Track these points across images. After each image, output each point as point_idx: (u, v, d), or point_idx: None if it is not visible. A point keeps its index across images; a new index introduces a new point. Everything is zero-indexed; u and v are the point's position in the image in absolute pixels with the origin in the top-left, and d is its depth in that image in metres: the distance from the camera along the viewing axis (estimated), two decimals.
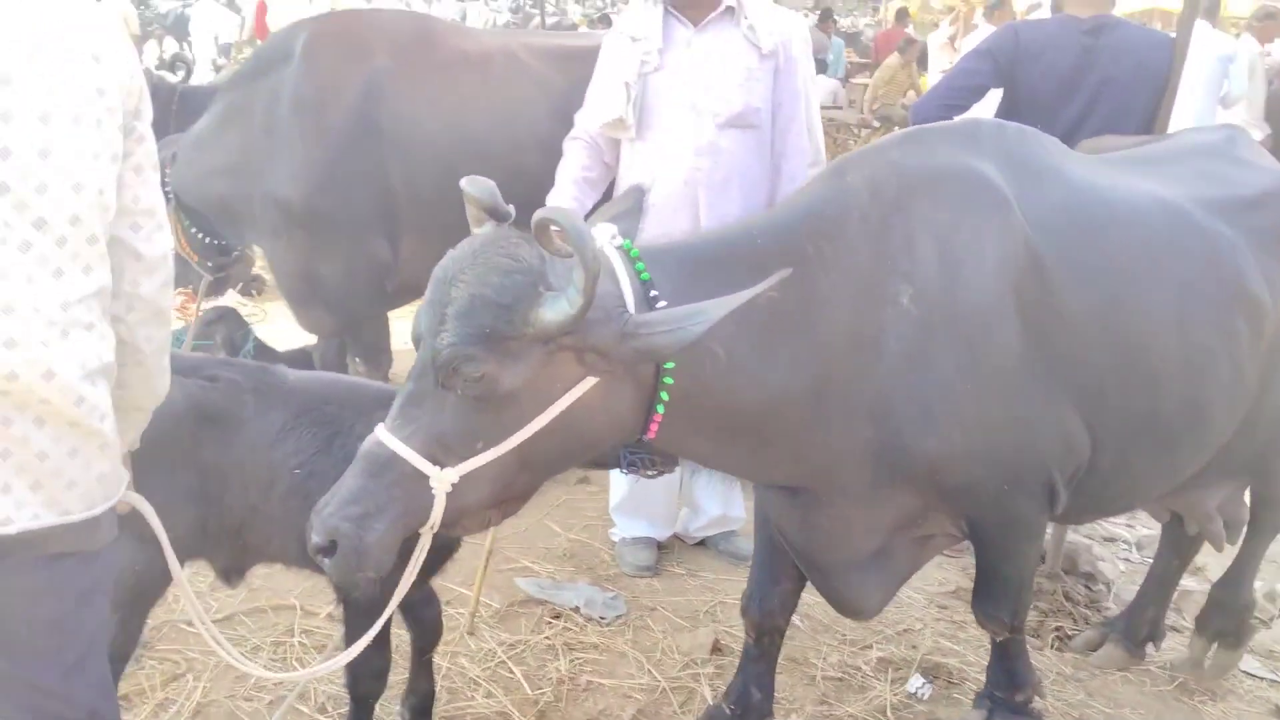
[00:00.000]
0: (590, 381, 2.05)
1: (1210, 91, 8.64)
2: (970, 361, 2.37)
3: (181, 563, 2.48)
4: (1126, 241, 2.57)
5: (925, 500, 2.56)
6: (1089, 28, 3.82)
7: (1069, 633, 3.89)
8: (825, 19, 18.71)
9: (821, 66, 15.17)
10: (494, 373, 1.99)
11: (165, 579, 2.51)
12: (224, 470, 2.53)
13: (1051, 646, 3.82)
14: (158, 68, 8.42)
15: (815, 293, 2.26)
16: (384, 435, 2.04)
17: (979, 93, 4.10)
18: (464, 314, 1.98)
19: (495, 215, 2.13)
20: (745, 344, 2.21)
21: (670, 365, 2.11)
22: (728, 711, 3.09)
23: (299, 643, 3.49)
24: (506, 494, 2.15)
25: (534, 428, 2.04)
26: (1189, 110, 8.74)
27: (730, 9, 3.56)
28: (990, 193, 2.43)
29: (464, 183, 2.14)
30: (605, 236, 2.17)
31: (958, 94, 4.00)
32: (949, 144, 2.55)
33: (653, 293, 2.12)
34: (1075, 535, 4.50)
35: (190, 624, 3.46)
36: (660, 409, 2.15)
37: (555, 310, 1.94)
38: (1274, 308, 2.75)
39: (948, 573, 4.30)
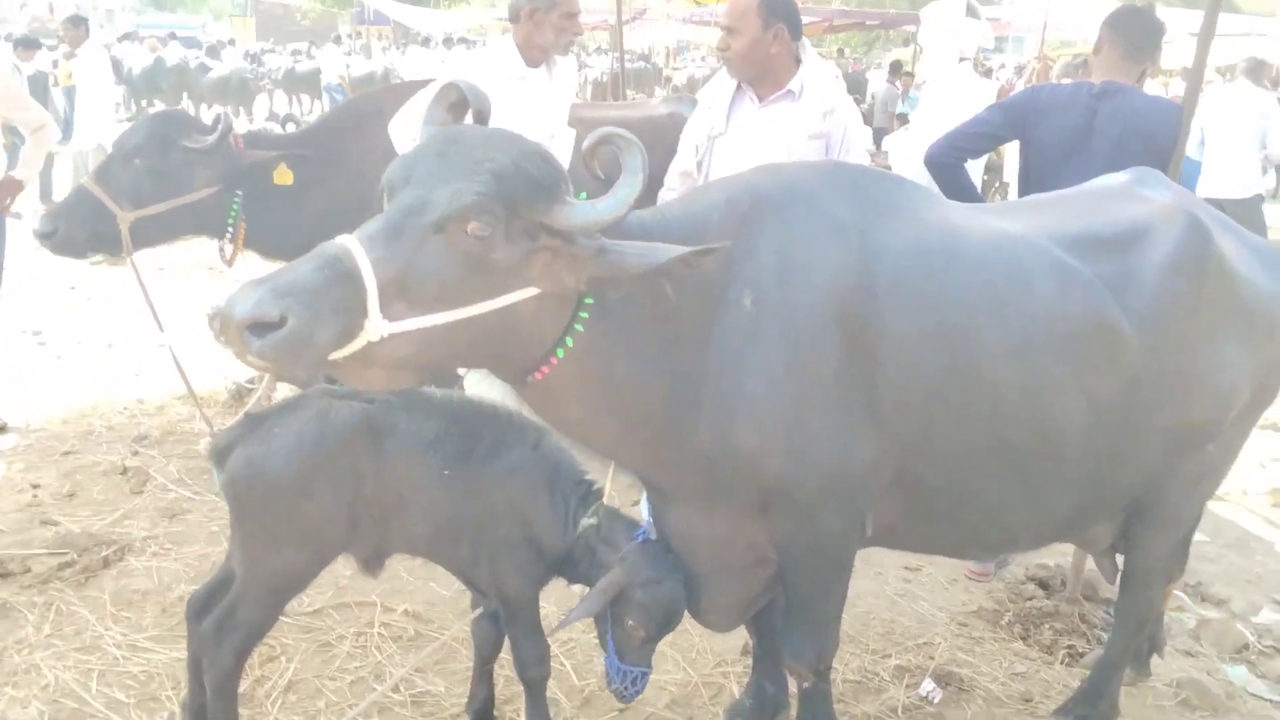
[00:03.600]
0: (533, 291, 2.24)
1: (1252, 147, 8.87)
2: (795, 364, 2.52)
3: (337, 553, 3.10)
4: (965, 275, 2.67)
5: (750, 510, 2.72)
6: (1097, 92, 4.16)
7: (1080, 650, 4.16)
8: (894, 71, 18.86)
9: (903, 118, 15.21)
10: (496, 239, 2.15)
11: (310, 575, 3.11)
12: (381, 473, 2.99)
13: (1062, 662, 4.10)
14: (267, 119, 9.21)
15: (680, 288, 2.38)
16: (357, 251, 2.08)
17: (989, 140, 4.50)
18: (504, 175, 2.14)
19: (481, 119, 2.44)
20: (633, 319, 2.43)
21: (585, 314, 2.34)
22: (748, 704, 3.47)
23: (379, 633, 3.97)
24: (411, 361, 2.21)
25: (480, 308, 2.18)
26: (1232, 166, 9.00)
27: (792, 92, 4.04)
28: (831, 220, 2.61)
29: (450, 80, 2.48)
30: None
31: (968, 139, 4.37)
32: (806, 177, 2.78)
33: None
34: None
35: (286, 615, 4.00)
36: (560, 352, 2.34)
37: (583, 213, 2.18)
38: (1136, 337, 2.81)
39: (972, 594, 4.62)
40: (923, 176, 4.33)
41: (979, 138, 4.43)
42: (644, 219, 2.52)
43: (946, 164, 4.35)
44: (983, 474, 2.82)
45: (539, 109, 4.67)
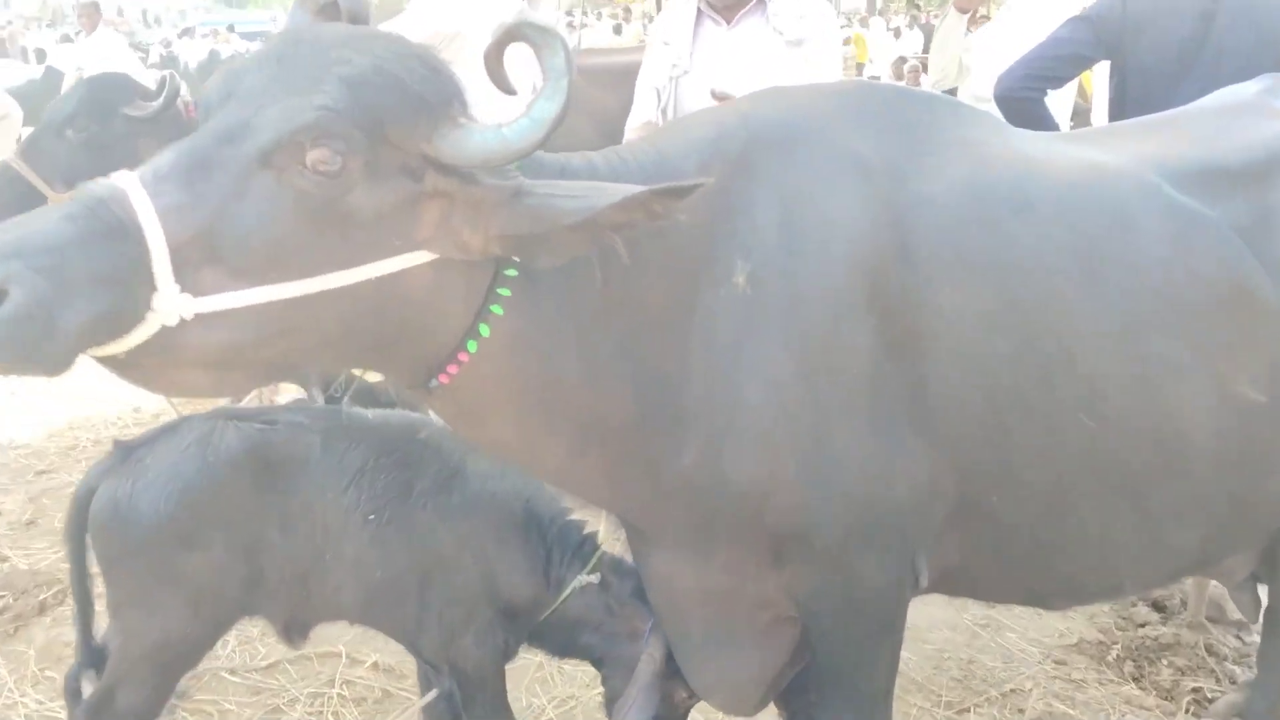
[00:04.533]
0: (425, 257, 1.62)
1: None
2: (809, 361, 1.89)
3: (237, 618, 2.49)
4: (1043, 227, 2.01)
5: (757, 558, 2.04)
6: None
7: (1209, 695, 3.33)
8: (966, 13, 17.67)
9: None
10: (352, 177, 1.54)
11: (205, 645, 2.47)
12: (288, 518, 2.38)
13: (1187, 711, 3.27)
14: None
15: (643, 261, 1.77)
16: (135, 193, 1.47)
17: (1077, 64, 3.59)
18: (364, 84, 1.54)
19: (356, 19, 1.76)
20: (578, 299, 1.80)
21: (505, 292, 1.71)
22: None
23: (339, 694, 3.30)
24: (243, 357, 1.59)
25: (338, 279, 1.55)
26: None
27: (762, 2, 3.40)
28: (854, 160, 1.95)
29: None
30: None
31: (1047, 64, 3.48)
32: (819, 102, 2.09)
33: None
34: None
35: (232, 672, 3.36)
36: (472, 345, 1.71)
37: (485, 140, 1.55)
38: None
39: (1072, 622, 3.79)
40: None
41: (1061, 61, 3.54)
42: (594, 163, 1.89)
43: (1022, 98, 3.49)
44: (1076, 501, 2.10)
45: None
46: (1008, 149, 2.11)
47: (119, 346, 1.47)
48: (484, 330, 1.71)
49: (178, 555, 2.31)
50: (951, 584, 2.27)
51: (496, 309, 1.72)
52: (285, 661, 3.46)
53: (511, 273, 1.73)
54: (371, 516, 2.37)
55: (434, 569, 2.42)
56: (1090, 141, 2.29)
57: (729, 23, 3.43)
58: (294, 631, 2.53)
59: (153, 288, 1.45)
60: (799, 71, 3.27)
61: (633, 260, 1.67)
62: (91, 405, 6.08)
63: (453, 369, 1.73)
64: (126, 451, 2.39)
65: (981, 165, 2.04)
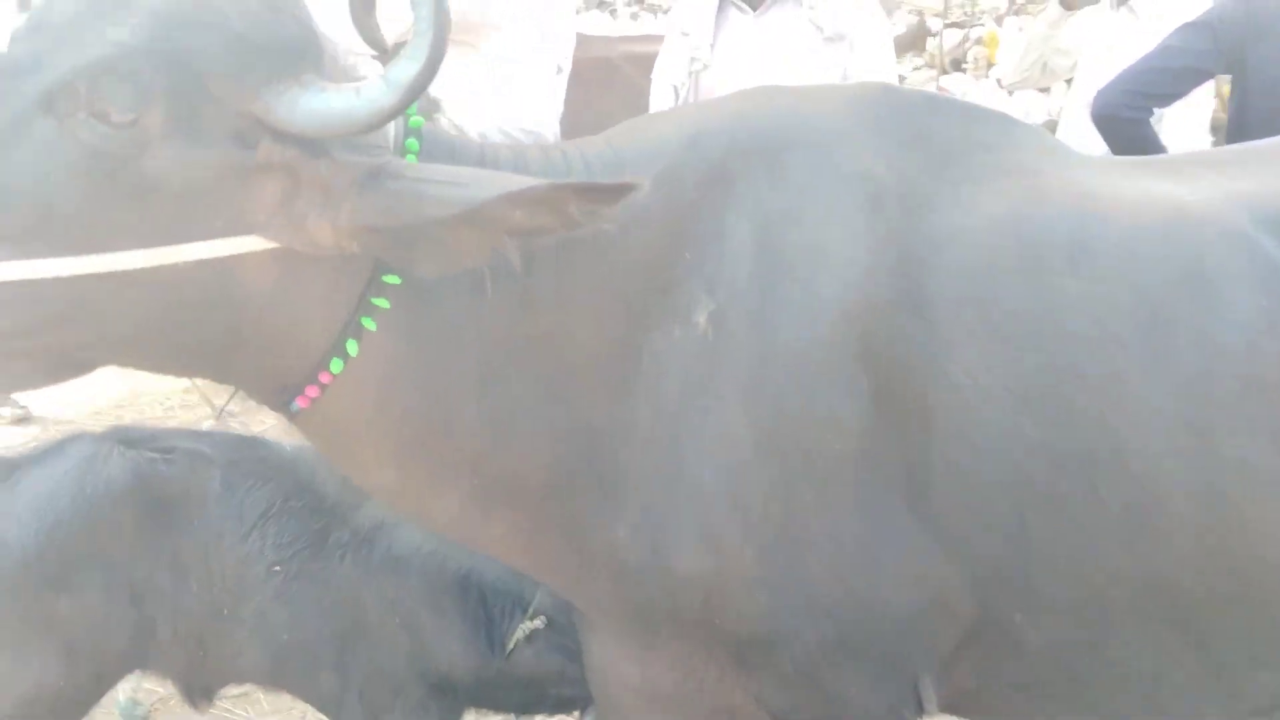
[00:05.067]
0: (257, 244, 1.32)
1: None
2: (780, 432, 1.51)
3: (123, 673, 2.22)
4: (1103, 286, 1.58)
5: (715, 658, 1.63)
6: None
7: None
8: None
9: None
10: (151, 131, 1.26)
11: (86, 702, 2.17)
12: (180, 563, 2.11)
13: None
14: None
15: (575, 283, 1.49)
16: None
17: (1190, 78, 3.03)
18: (171, 16, 1.26)
19: None
20: (478, 323, 1.47)
21: (382, 303, 1.41)
22: None
23: None
24: (20, 338, 1.32)
25: (133, 260, 1.26)
26: None
27: None
28: (861, 179, 1.57)
29: None
30: None
31: (1157, 79, 2.97)
32: (825, 105, 1.70)
33: None
34: None
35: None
36: (337, 365, 1.40)
37: (324, 103, 1.26)
38: None
39: None
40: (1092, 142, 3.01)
41: (1170, 75, 3.01)
42: (523, 155, 1.57)
43: (1124, 118, 2.99)
44: (1120, 630, 1.65)
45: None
46: (1065, 180, 1.68)
47: None
48: (351, 348, 1.41)
49: (48, 597, 2.03)
50: (966, 710, 1.87)
51: (368, 322, 1.41)
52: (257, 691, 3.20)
53: (392, 280, 1.41)
54: (277, 568, 2.07)
55: (354, 635, 2.12)
56: (1174, 174, 1.81)
57: (755, 10, 3.12)
58: (195, 694, 2.24)
59: None
60: (838, 72, 2.99)
61: (560, 281, 1.46)
62: (143, 382, 6.01)
63: (313, 391, 1.44)
64: (6, 469, 2.12)
65: (1029, 198, 1.63)
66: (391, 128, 1.37)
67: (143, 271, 1.27)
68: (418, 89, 1.24)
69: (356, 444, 1.55)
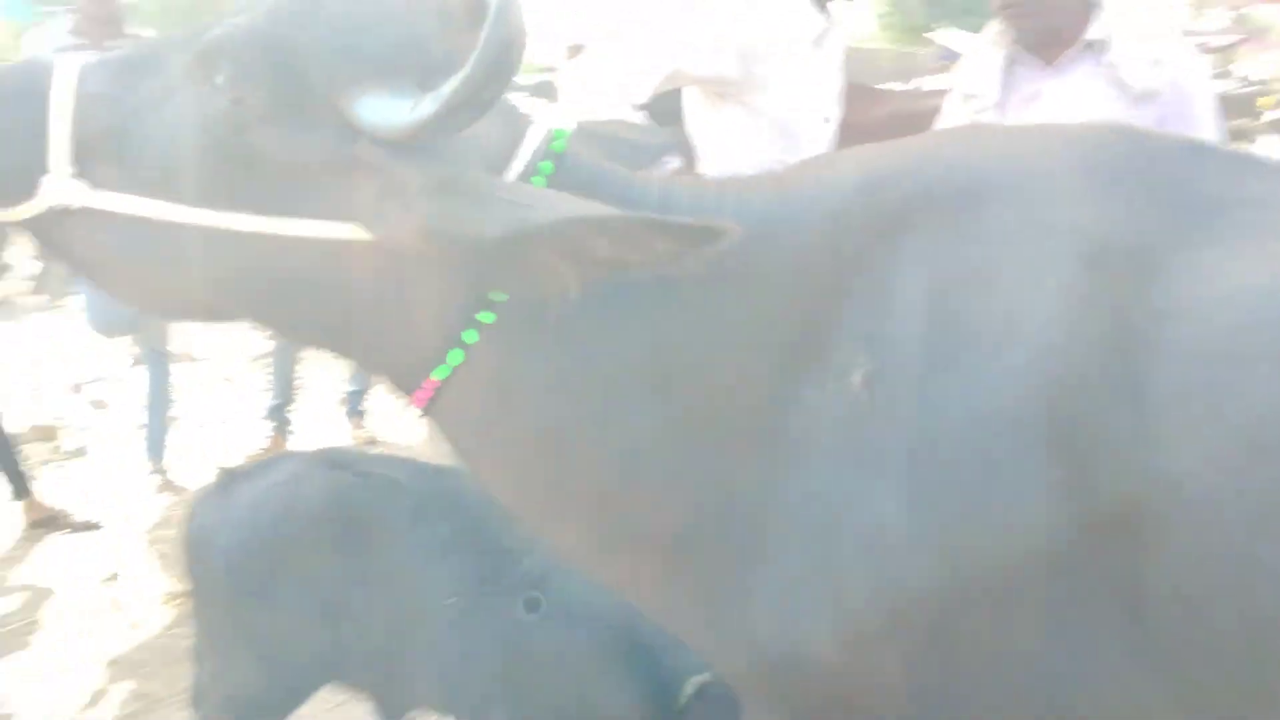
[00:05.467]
0: (355, 232, 1.37)
1: None
2: (943, 521, 1.30)
3: (317, 686, 2.27)
4: None
5: None
6: None
7: None
8: None
9: None
10: (255, 109, 1.35)
11: (287, 706, 2.26)
12: (369, 585, 2.17)
13: None
14: None
15: (723, 319, 1.41)
16: (60, 69, 1.42)
17: None
18: (284, 8, 1.37)
19: None
20: (610, 355, 1.42)
21: (488, 318, 1.40)
22: None
23: None
24: (144, 274, 1.48)
25: (243, 221, 1.37)
26: None
27: (1091, 44, 2.69)
28: (1070, 236, 1.32)
29: None
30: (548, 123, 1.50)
31: None
32: (1037, 147, 1.49)
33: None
34: None
35: None
36: (440, 372, 1.41)
37: (381, 108, 1.30)
38: None
39: None
40: None
41: None
42: (672, 193, 1.47)
43: None
44: None
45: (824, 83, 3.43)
46: None
47: (13, 214, 1.43)
48: (454, 357, 1.40)
49: (250, 605, 2.16)
50: None
51: (471, 335, 1.39)
52: None
53: (499, 296, 1.39)
54: (452, 600, 2.13)
55: (523, 678, 2.12)
56: None
57: (1049, 63, 2.76)
58: (389, 713, 2.30)
59: (44, 165, 1.40)
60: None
61: (701, 318, 1.39)
62: None
63: (425, 391, 1.45)
64: (228, 480, 2.26)
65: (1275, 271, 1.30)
66: (489, 141, 1.38)
67: (254, 237, 1.37)
68: (454, 103, 1.24)
69: (473, 452, 1.55)
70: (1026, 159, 1.45)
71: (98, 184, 1.40)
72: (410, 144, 1.29)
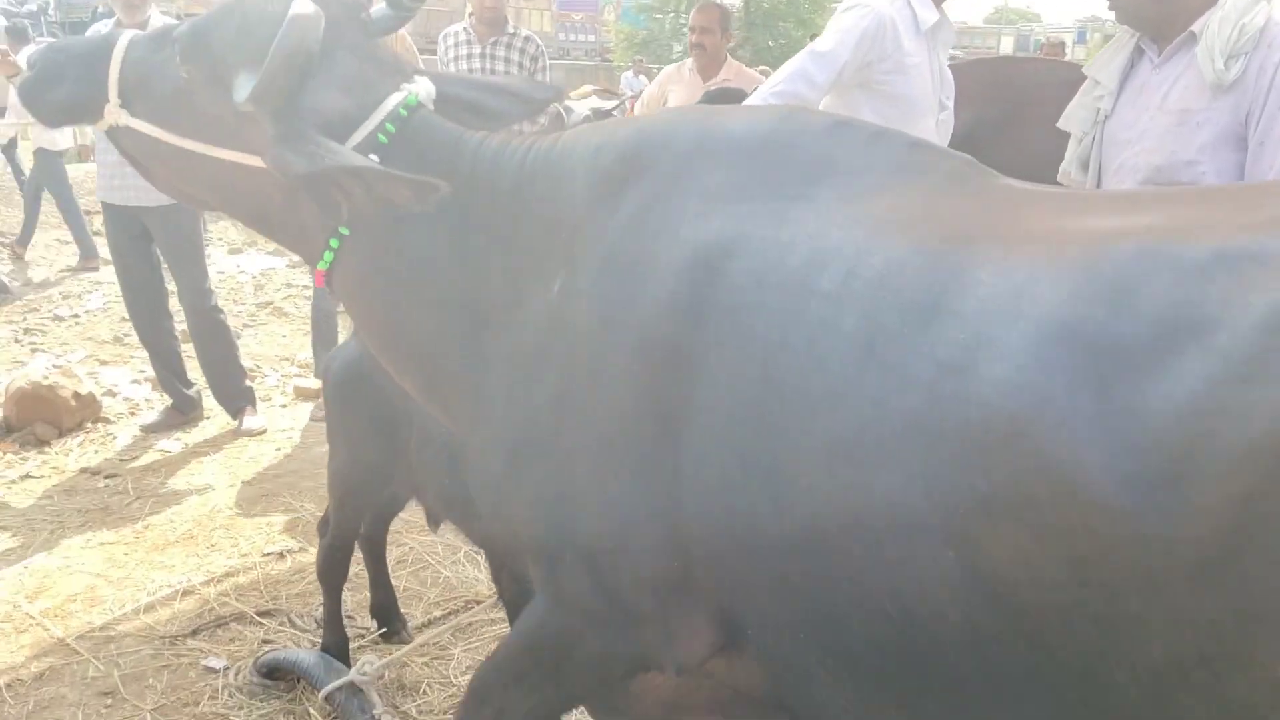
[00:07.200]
0: (256, 162, 1.98)
1: None
2: (567, 392, 1.74)
3: (389, 479, 2.94)
4: (841, 306, 1.48)
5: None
6: None
7: None
8: None
9: None
10: (196, 78, 2.03)
11: (373, 491, 3.04)
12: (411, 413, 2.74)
13: None
14: None
15: (498, 237, 1.91)
16: (121, 39, 2.16)
17: None
18: (213, 18, 2.03)
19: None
20: (425, 256, 1.96)
21: (343, 230, 1.98)
22: None
23: None
24: (160, 170, 2.23)
25: (196, 146, 2.07)
26: None
27: (1194, 34, 2.71)
28: (696, 196, 1.70)
29: None
30: (422, 86, 2.04)
31: None
32: (726, 124, 1.82)
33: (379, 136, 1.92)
34: None
35: None
36: (322, 264, 2.02)
37: (238, 88, 1.91)
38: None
39: None
40: None
41: None
42: (479, 144, 1.96)
43: None
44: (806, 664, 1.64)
45: (934, 73, 3.59)
46: (910, 205, 1.60)
47: (97, 125, 2.20)
48: (328, 255, 2.01)
49: (347, 414, 2.97)
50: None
51: (335, 241, 2.00)
52: None
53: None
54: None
55: None
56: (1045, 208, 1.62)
57: (1159, 54, 2.81)
58: (431, 519, 3.01)
59: (106, 97, 2.15)
60: (1226, 121, 2.61)
61: (485, 238, 1.91)
62: None
63: (317, 277, 2.09)
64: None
65: (850, 220, 1.58)
66: (340, 108, 1.91)
67: (205, 157, 2.06)
68: (260, 87, 1.83)
69: (352, 317, 2.22)
70: (693, 131, 1.81)
71: (135, 114, 2.14)
72: (265, 107, 1.86)
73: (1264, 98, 2.50)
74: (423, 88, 2.03)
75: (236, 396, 5.35)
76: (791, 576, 1.51)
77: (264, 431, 5.32)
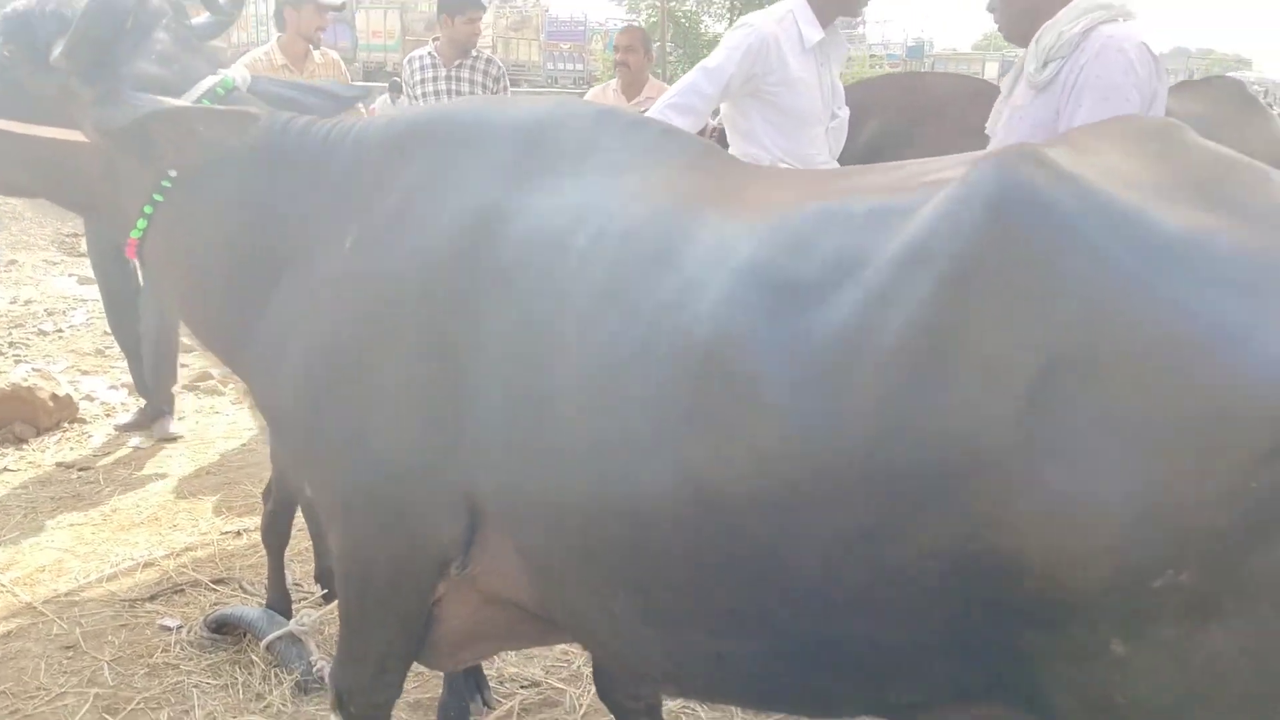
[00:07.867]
0: (78, 136, 2.13)
1: None
2: (353, 339, 1.97)
3: None
4: (591, 261, 1.78)
5: None
6: None
7: None
8: None
9: None
10: (17, 60, 2.13)
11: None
12: None
13: None
14: None
15: (292, 195, 2.12)
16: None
17: None
18: (31, 5, 2.14)
19: None
20: (219, 203, 2.16)
21: (166, 185, 2.14)
22: None
23: None
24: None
25: (18, 127, 2.16)
26: None
27: (1038, 40, 2.91)
28: (476, 168, 1.94)
29: None
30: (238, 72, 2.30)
31: None
32: (513, 113, 2.08)
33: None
34: None
35: None
36: (136, 231, 2.18)
37: (56, 50, 2.05)
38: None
39: None
40: None
41: None
42: (293, 124, 2.19)
43: None
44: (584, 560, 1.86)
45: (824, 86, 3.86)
46: (661, 179, 1.89)
47: None
48: (141, 223, 2.17)
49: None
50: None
51: (149, 209, 2.16)
52: None
53: (166, 184, 2.14)
54: None
55: None
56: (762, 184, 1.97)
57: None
58: None
59: None
60: (1045, 122, 2.85)
61: (281, 195, 2.10)
62: None
63: (129, 248, 2.22)
64: None
65: (609, 190, 1.86)
66: (161, 80, 2.13)
67: (22, 134, 2.16)
68: (67, 49, 2.03)
69: (159, 286, 2.39)
70: (482, 115, 2.10)
71: None
72: (78, 61, 2.04)
73: (1069, 96, 2.80)
74: (239, 74, 2.29)
75: (161, 399, 5.62)
76: (549, 484, 1.76)
77: (179, 438, 5.51)
